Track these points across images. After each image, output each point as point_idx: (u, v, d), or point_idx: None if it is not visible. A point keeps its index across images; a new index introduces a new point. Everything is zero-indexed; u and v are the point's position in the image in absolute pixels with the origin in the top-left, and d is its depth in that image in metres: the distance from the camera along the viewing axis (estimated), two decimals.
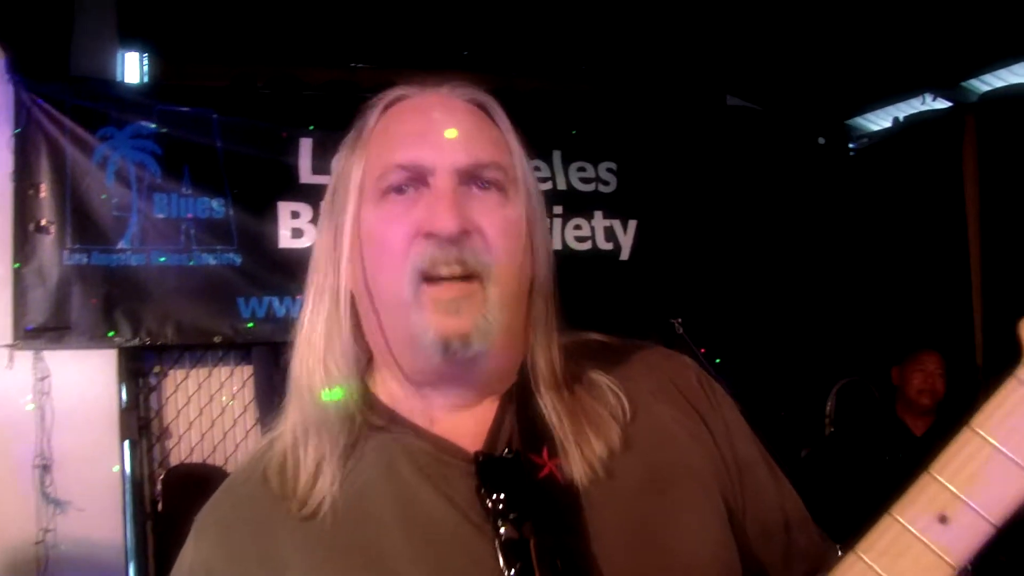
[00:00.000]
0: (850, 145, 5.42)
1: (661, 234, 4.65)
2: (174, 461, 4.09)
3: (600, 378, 1.06)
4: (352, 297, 1.03)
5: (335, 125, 1.23)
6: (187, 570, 1.03)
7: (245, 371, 4.16)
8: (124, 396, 3.91)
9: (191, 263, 3.89)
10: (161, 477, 4.02)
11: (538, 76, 4.66)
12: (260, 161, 3.98)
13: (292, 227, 4.02)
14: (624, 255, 4.61)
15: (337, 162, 1.06)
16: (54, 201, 3.73)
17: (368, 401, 1.03)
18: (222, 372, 4.16)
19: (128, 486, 3.88)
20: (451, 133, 0.99)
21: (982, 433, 0.76)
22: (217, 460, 4.10)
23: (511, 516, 0.94)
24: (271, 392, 3.94)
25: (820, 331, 4.87)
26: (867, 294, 4.99)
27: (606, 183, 4.62)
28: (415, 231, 0.96)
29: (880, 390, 4.36)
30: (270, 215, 4.00)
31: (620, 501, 0.99)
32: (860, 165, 5.31)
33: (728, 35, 4.35)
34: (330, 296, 1.03)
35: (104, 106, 3.80)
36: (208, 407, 4.13)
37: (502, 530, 0.93)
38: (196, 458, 4.11)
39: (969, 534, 0.75)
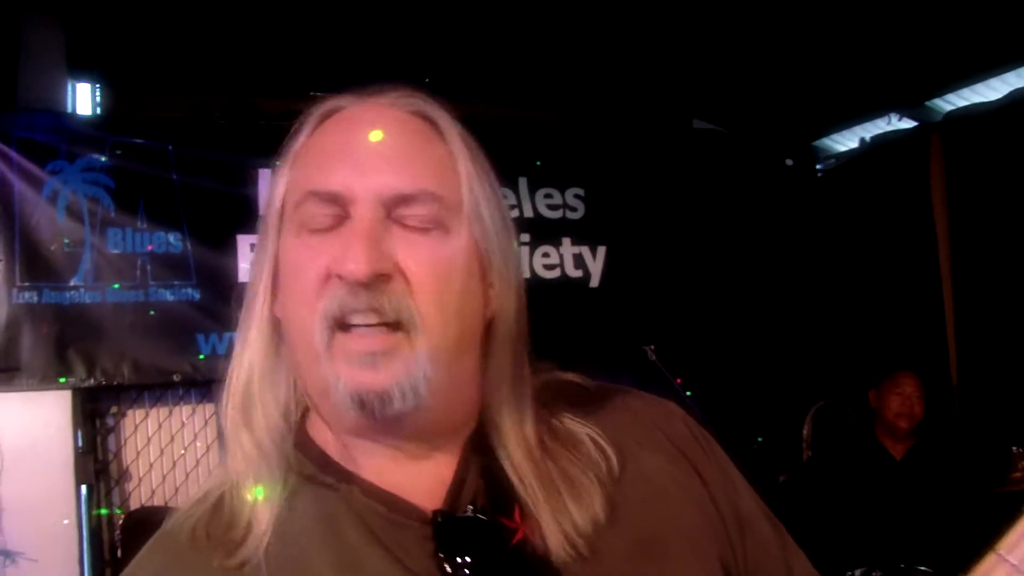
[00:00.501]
0: (817, 166, 5.42)
1: (631, 260, 4.59)
2: (135, 504, 3.94)
3: (580, 429, 0.94)
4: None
5: None
6: None
7: (207, 409, 4.03)
8: (80, 439, 3.77)
9: (148, 299, 3.77)
10: (121, 521, 3.87)
11: (502, 102, 4.61)
12: (218, 193, 3.87)
13: (252, 260, 3.90)
14: (594, 282, 4.54)
15: (270, 181, 0.93)
16: (1, 237, 3.60)
17: (305, 448, 0.91)
18: (183, 411, 4.02)
19: (85, 532, 3.73)
20: (378, 155, 0.85)
21: (1008, 558, 0.72)
22: (179, 502, 3.94)
23: (465, 569, 0.83)
24: None
25: (794, 354, 4.83)
26: (840, 316, 4.96)
27: (574, 209, 4.55)
28: (327, 271, 0.83)
29: (857, 412, 4.30)
30: (229, 248, 3.89)
31: (607, 574, 0.87)
32: (828, 186, 5.31)
33: (694, 59, 4.34)
34: (257, 329, 0.90)
35: (54, 139, 3.69)
36: (169, 447, 3.99)
37: None
38: (158, 500, 3.96)
39: None
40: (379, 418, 0.83)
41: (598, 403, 0.99)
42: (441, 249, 0.85)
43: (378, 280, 0.81)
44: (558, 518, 0.87)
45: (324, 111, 0.91)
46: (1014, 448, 3.01)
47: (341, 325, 0.82)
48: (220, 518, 0.88)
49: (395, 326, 0.81)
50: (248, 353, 0.91)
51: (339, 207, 0.83)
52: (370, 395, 0.81)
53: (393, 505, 0.87)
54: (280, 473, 0.88)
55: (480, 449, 0.90)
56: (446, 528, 0.85)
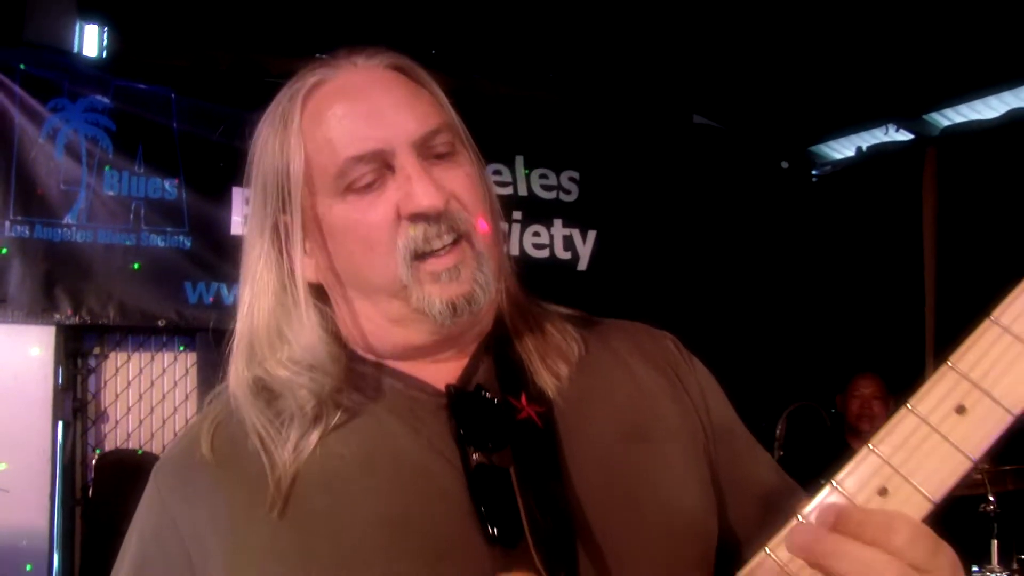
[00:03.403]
0: (812, 171, 5.47)
1: (620, 246, 4.63)
2: (109, 446, 3.98)
3: (567, 327, 1.11)
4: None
5: None
6: (143, 502, 1.04)
7: (189, 358, 4.07)
8: (60, 376, 3.79)
9: (139, 243, 3.80)
10: (94, 461, 3.90)
11: (504, 80, 4.63)
12: (216, 145, 3.89)
13: (246, 214, 3.92)
14: (582, 265, 4.59)
15: (262, 154, 1.05)
16: None
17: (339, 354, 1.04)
18: (165, 357, 4.06)
19: (58, 469, 3.76)
20: (394, 109, 0.99)
21: (1002, 323, 0.74)
22: (155, 448, 3.99)
23: (484, 445, 0.95)
24: (215, 380, 3.85)
25: (773, 354, 4.88)
26: (821, 320, 5.01)
27: (567, 192, 4.60)
28: (396, 215, 0.97)
29: (830, 415, 4.38)
30: (224, 200, 3.92)
31: (597, 451, 1.00)
32: (821, 191, 5.36)
33: (699, 54, 4.37)
34: (279, 287, 1.03)
35: (58, 76, 3.71)
36: (148, 392, 4.03)
37: (473, 456, 0.95)
38: (133, 445, 4.01)
39: (987, 424, 0.73)
40: (465, 321, 0.99)
41: (594, 323, 1.16)
42: (466, 167, 1.02)
43: (445, 206, 0.97)
44: (559, 396, 1.02)
45: (307, 86, 1.03)
46: None
47: (418, 256, 0.97)
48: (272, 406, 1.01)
49: (459, 239, 0.98)
50: (262, 304, 1.04)
51: (379, 163, 0.97)
52: (461, 300, 0.97)
53: (412, 383, 1.02)
54: (313, 383, 1.00)
55: (495, 343, 1.06)
56: (458, 400, 0.99)
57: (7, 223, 3.62)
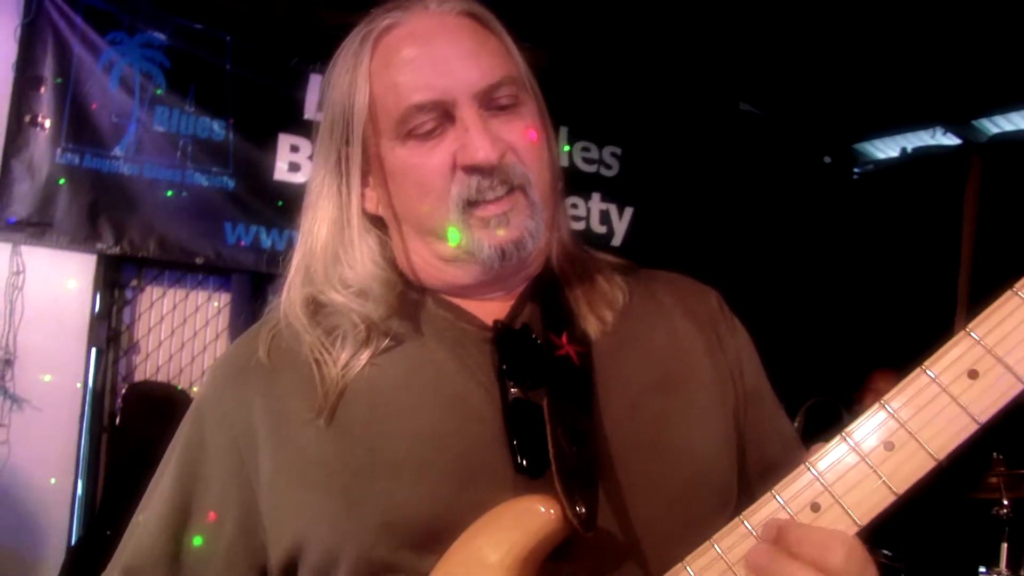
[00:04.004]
0: (854, 169, 5.44)
1: (656, 225, 4.65)
2: (139, 377, 4.05)
3: (615, 276, 1.15)
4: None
5: None
6: (194, 404, 1.11)
7: (223, 298, 4.13)
8: (98, 305, 3.87)
9: (184, 180, 3.86)
10: (123, 391, 3.99)
11: (554, 51, 4.63)
12: (267, 90, 3.94)
13: (290, 160, 3.99)
14: (616, 240, 4.61)
15: (333, 88, 1.09)
16: (54, 97, 3.68)
17: (391, 286, 1.09)
18: (199, 296, 4.13)
19: (89, 394, 3.84)
20: (458, 58, 1.02)
21: (1023, 295, 0.76)
22: (182, 383, 4.07)
23: (524, 382, 1.01)
24: (246, 322, 3.92)
25: (798, 347, 4.88)
26: (848, 316, 5.00)
27: (608, 167, 4.61)
28: (452, 164, 1.01)
29: (849, 411, 4.38)
30: (270, 145, 3.97)
31: (629, 395, 1.04)
32: (861, 189, 5.33)
33: (753, 42, 4.35)
34: (338, 214, 1.09)
35: (118, 10, 3.76)
36: (181, 328, 4.10)
37: (512, 391, 1.00)
38: (161, 378, 4.08)
39: (996, 390, 0.76)
40: (515, 263, 1.04)
41: (645, 274, 1.19)
42: (528, 118, 1.05)
43: (500, 160, 1.00)
44: (600, 340, 1.06)
45: (378, 29, 1.06)
46: (995, 454, 3.08)
47: (470, 203, 1.01)
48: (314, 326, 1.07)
49: (512, 190, 1.02)
50: (332, 229, 1.09)
51: (441, 111, 1.01)
52: (509, 245, 1.02)
53: (461, 315, 1.07)
54: (369, 305, 1.05)
55: (542, 285, 1.10)
56: (503, 335, 1.05)
57: (58, 150, 3.69)
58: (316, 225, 1.10)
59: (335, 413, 1.00)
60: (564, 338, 1.05)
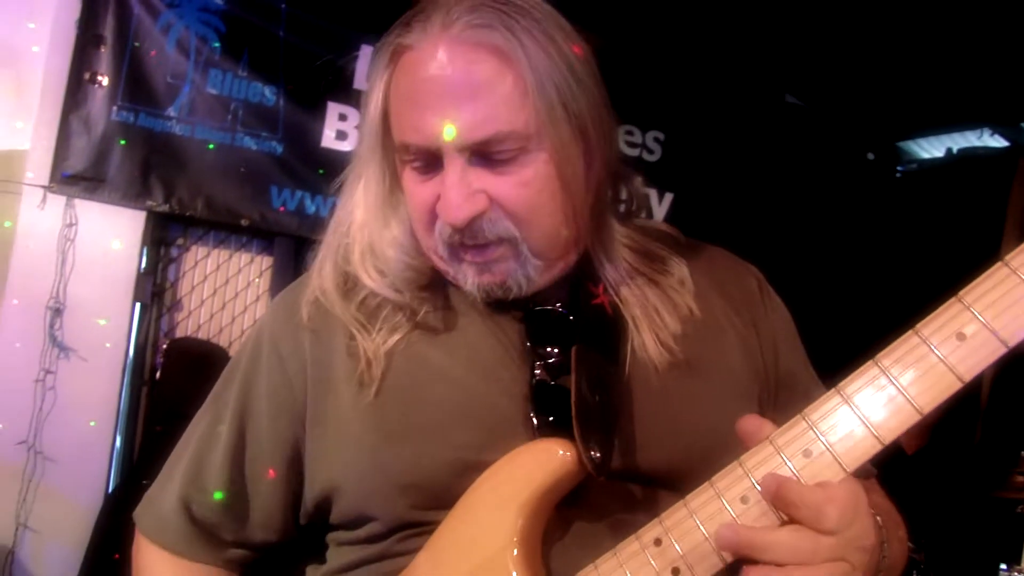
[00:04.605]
0: (898, 167, 5.40)
1: (695, 212, 4.65)
2: (180, 334, 4.15)
3: (671, 256, 1.15)
4: None
5: None
6: (255, 334, 1.17)
7: (265, 260, 4.22)
8: (144, 260, 3.97)
9: (233, 143, 3.94)
10: (164, 346, 4.08)
11: (602, 33, 4.63)
12: (318, 58, 4.00)
13: (338, 128, 4.05)
14: None
15: (371, 81, 1.08)
16: (113, 56, 3.76)
17: (425, 273, 1.12)
18: (243, 257, 4.21)
19: (131, 348, 3.95)
20: (454, 106, 0.97)
21: (1012, 266, 0.82)
22: (222, 341, 4.16)
23: (551, 362, 1.03)
24: (288, 285, 3.99)
25: (826, 341, 4.87)
26: (887, 314, 4.98)
27: (651, 151, 4.63)
28: (433, 207, 1.02)
29: None
30: (318, 113, 4.03)
31: (657, 370, 1.06)
32: (904, 188, 5.30)
33: (802, 36, 4.33)
34: (376, 202, 1.11)
35: None
36: (223, 288, 4.19)
37: (536, 372, 1.03)
38: (202, 335, 4.17)
39: (982, 352, 0.81)
40: (505, 298, 1.05)
41: (687, 248, 1.18)
42: (524, 173, 1.00)
43: (475, 219, 0.99)
44: (655, 327, 1.08)
45: (393, 47, 1.04)
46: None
47: (452, 245, 1.02)
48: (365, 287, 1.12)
49: (499, 241, 1.00)
50: (367, 217, 1.11)
51: (429, 155, 1.00)
52: (493, 288, 1.03)
53: (495, 293, 1.06)
54: (408, 287, 1.09)
55: (578, 270, 1.10)
56: (534, 314, 1.08)
57: (114, 108, 3.78)
58: (353, 204, 1.13)
59: (371, 378, 1.06)
60: (601, 288, 1.09)
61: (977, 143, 5.01)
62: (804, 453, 0.86)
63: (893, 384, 0.84)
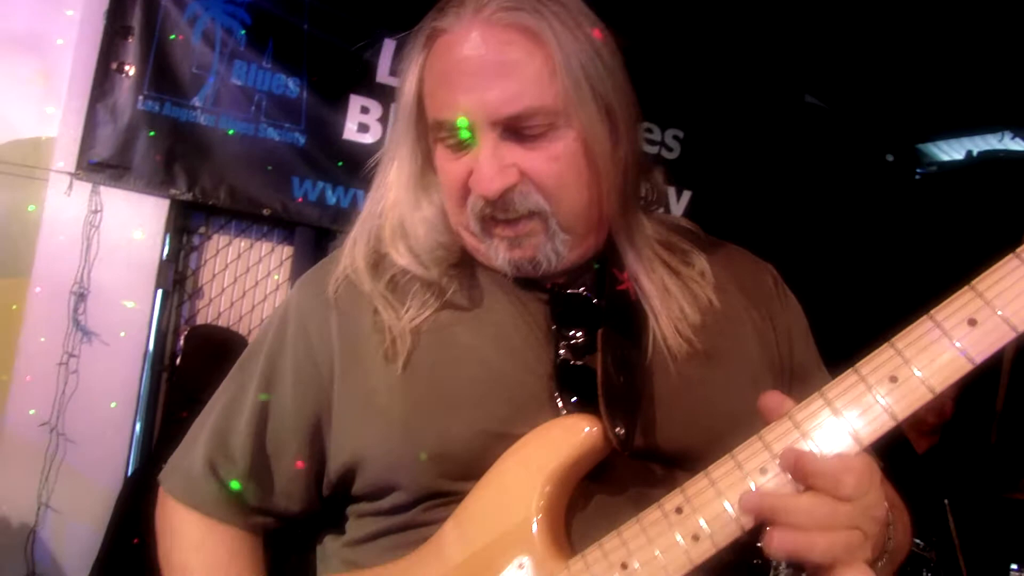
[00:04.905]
0: (917, 169, 5.39)
1: (713, 211, 4.66)
2: (200, 321, 4.21)
3: (693, 250, 1.18)
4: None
5: None
6: (282, 310, 1.22)
7: (285, 250, 4.27)
8: (167, 247, 4.03)
9: (256, 134, 3.99)
10: (184, 333, 4.15)
11: (624, 31, 4.65)
12: (341, 51, 4.05)
13: (359, 121, 4.10)
14: None
15: (405, 67, 1.13)
16: (140, 46, 3.82)
17: (454, 252, 1.16)
18: (263, 247, 4.27)
19: (152, 334, 4.01)
20: (487, 83, 1.02)
21: (1022, 257, 0.85)
22: (241, 329, 4.21)
23: (575, 342, 1.07)
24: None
25: (843, 339, 4.87)
26: (898, 315, 4.98)
27: (670, 149, 4.65)
28: (466, 183, 1.06)
29: None
30: (341, 105, 4.08)
31: (679, 355, 1.10)
32: (922, 190, 5.29)
33: (823, 36, 4.33)
34: (409, 182, 1.15)
35: None
36: (243, 277, 4.24)
37: (560, 352, 1.07)
38: (222, 323, 4.23)
39: (992, 337, 0.85)
40: (534, 274, 1.09)
41: (707, 244, 1.22)
42: (554, 148, 1.05)
43: (506, 191, 1.03)
44: (670, 311, 1.11)
45: (428, 31, 1.09)
46: None
47: (484, 218, 1.06)
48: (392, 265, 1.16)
49: (529, 215, 1.05)
50: (401, 195, 1.16)
51: (462, 132, 1.04)
52: (523, 262, 1.08)
53: (524, 272, 1.11)
54: (438, 266, 1.13)
55: (605, 253, 1.14)
56: (559, 297, 1.12)
57: (140, 97, 3.84)
58: (386, 185, 1.17)
59: (400, 354, 1.09)
60: (625, 274, 1.13)
61: (998, 146, 5.00)
62: (822, 429, 0.90)
63: (907, 365, 0.88)
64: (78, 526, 3.78)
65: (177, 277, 4.12)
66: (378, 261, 1.17)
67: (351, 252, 1.18)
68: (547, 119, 1.03)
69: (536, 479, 1.00)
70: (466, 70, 1.03)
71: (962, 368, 0.86)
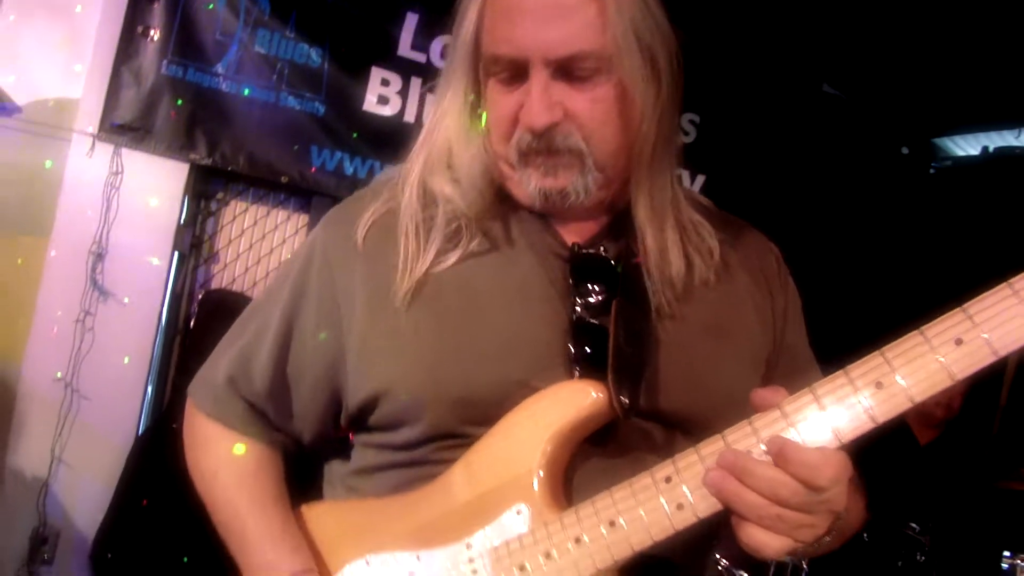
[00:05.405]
0: (932, 163, 5.40)
1: (726, 196, 4.63)
2: (215, 286, 4.27)
3: (703, 223, 1.24)
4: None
5: (442, 9, 1.31)
6: (308, 245, 1.27)
7: (301, 219, 4.31)
8: (185, 211, 4.08)
9: (278, 102, 4.03)
10: (199, 297, 4.20)
11: None
12: (364, 23, 4.07)
13: (380, 93, 4.13)
14: None
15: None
16: (165, 11, 3.85)
17: (494, 187, 1.21)
18: (280, 214, 4.32)
19: (168, 296, 4.07)
20: (543, 23, 1.08)
21: (1015, 287, 0.93)
22: (255, 295, 4.25)
23: (591, 303, 1.13)
24: None
25: (851, 332, 4.89)
26: (913, 308, 4.99)
27: (686, 133, 4.67)
28: (516, 116, 1.11)
29: None
30: (362, 77, 4.11)
31: (687, 330, 1.17)
32: (936, 184, 5.30)
33: (843, 25, 4.34)
34: (461, 111, 1.19)
35: None
36: (259, 244, 4.29)
37: (576, 310, 1.13)
38: (236, 288, 4.28)
39: (975, 358, 0.92)
40: (560, 205, 1.15)
41: (719, 219, 1.29)
42: (598, 91, 1.11)
43: (552, 127, 1.10)
44: (665, 271, 1.17)
45: None
46: None
47: (524, 152, 1.13)
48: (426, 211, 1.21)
49: (569, 152, 1.11)
50: (451, 123, 1.20)
51: (517, 67, 1.10)
52: (553, 192, 1.14)
53: (549, 229, 1.19)
54: (476, 198, 1.18)
55: (626, 220, 1.19)
56: (577, 257, 1.17)
57: (164, 62, 3.88)
58: (440, 116, 1.21)
59: (423, 296, 1.14)
60: (642, 248, 1.18)
61: (1014, 143, 5.00)
62: (808, 422, 0.97)
63: (892, 374, 0.95)
64: (89, 481, 3.85)
65: (194, 241, 4.17)
66: (426, 188, 1.22)
67: (410, 174, 1.22)
68: (595, 63, 1.09)
69: (542, 435, 1.07)
70: (527, 9, 1.08)
71: (942, 382, 0.93)
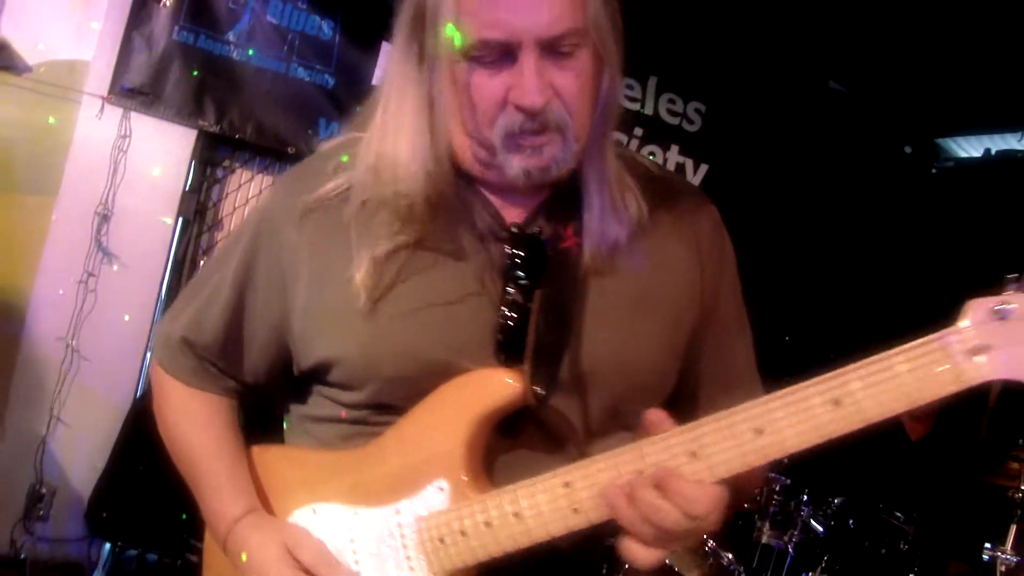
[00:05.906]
0: (934, 163, 5.43)
1: (729, 186, 4.72)
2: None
3: (630, 188, 1.23)
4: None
5: None
6: (261, 210, 1.32)
7: None
8: (191, 178, 4.10)
9: (287, 73, 4.05)
10: (201, 263, 4.22)
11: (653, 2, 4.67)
12: None
13: (401, 49, 4.13)
14: None
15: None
16: None
17: (449, 168, 1.20)
18: None
19: (171, 261, 4.10)
20: (532, 5, 1.08)
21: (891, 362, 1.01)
22: None
23: (523, 284, 1.17)
24: None
25: (849, 328, 4.93)
26: (904, 306, 5.02)
27: (691, 121, 4.70)
28: (504, 99, 1.11)
29: None
30: (372, 51, 4.14)
31: (611, 305, 1.20)
32: (938, 184, 5.33)
33: (852, 22, 4.35)
34: (410, 95, 1.18)
35: None
36: None
37: (509, 289, 1.17)
38: None
39: (851, 419, 0.99)
40: (539, 183, 1.17)
41: (656, 184, 1.27)
42: (580, 66, 1.12)
43: (545, 106, 1.10)
44: (605, 227, 1.19)
45: None
46: (1021, 440, 3.18)
47: (511, 134, 1.12)
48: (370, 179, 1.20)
49: (556, 129, 1.12)
50: (404, 108, 1.19)
51: (505, 49, 1.09)
52: (535, 170, 1.15)
53: (491, 211, 1.22)
54: (424, 179, 1.18)
55: (567, 187, 1.21)
56: (514, 237, 1.20)
57: (176, 28, 3.90)
58: (389, 97, 1.21)
59: (365, 276, 1.17)
60: (570, 230, 1.20)
61: (1017, 146, 5.03)
62: (691, 454, 1.04)
63: (771, 426, 1.02)
64: (86, 440, 3.89)
65: (198, 207, 4.19)
66: (375, 173, 1.21)
67: (361, 167, 1.22)
68: (578, 39, 1.11)
69: (462, 417, 1.14)
70: None
71: (818, 439, 1.00)
